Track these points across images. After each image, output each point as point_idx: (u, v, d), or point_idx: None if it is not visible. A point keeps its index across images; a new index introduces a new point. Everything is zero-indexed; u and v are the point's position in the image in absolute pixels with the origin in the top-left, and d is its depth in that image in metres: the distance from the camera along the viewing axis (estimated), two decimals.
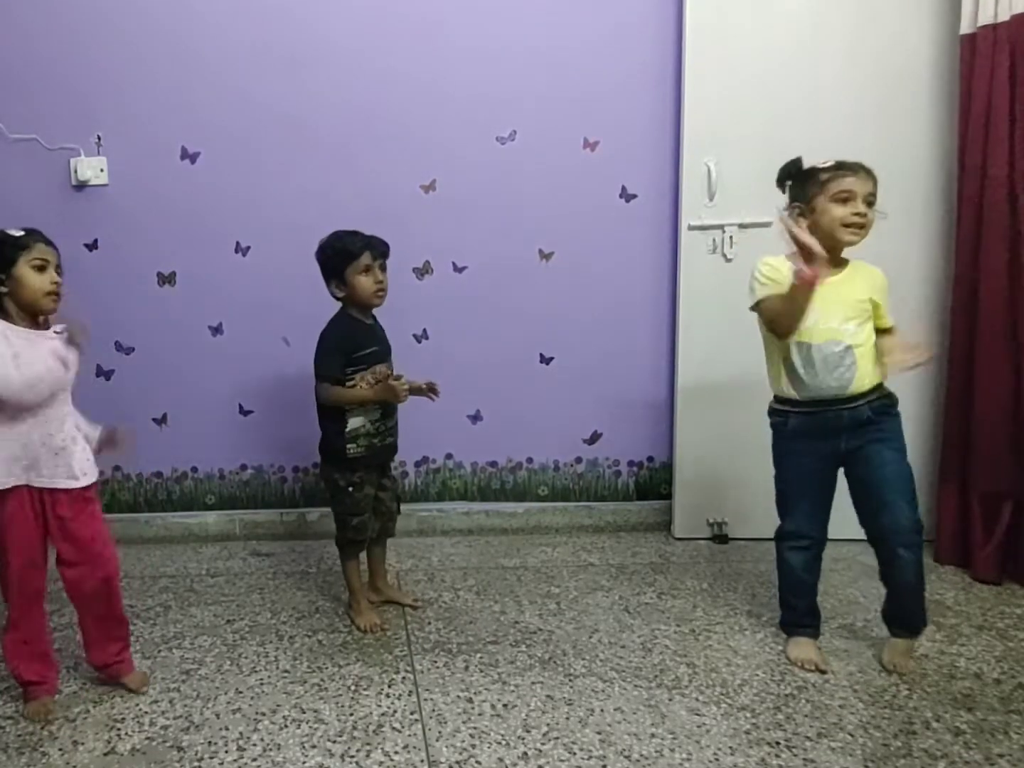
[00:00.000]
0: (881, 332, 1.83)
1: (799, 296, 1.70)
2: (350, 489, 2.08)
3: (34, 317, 1.69)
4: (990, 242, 2.26)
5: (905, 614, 1.88)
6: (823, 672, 1.82)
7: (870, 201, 1.75)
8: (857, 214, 1.73)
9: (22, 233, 1.68)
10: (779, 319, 1.78)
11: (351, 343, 2.04)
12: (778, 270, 1.79)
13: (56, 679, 1.80)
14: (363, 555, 2.19)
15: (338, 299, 2.07)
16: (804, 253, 1.66)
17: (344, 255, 2.01)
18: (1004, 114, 2.23)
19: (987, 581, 2.29)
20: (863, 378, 1.79)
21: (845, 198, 1.74)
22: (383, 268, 2.05)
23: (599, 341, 2.76)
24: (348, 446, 2.05)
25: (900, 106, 2.50)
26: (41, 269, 1.66)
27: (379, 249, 2.03)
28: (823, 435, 1.82)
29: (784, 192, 1.86)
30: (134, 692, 1.80)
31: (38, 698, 1.73)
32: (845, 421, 1.80)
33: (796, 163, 1.84)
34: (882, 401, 1.81)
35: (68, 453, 1.68)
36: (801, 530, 1.90)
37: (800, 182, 1.82)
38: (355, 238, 2.03)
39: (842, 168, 1.76)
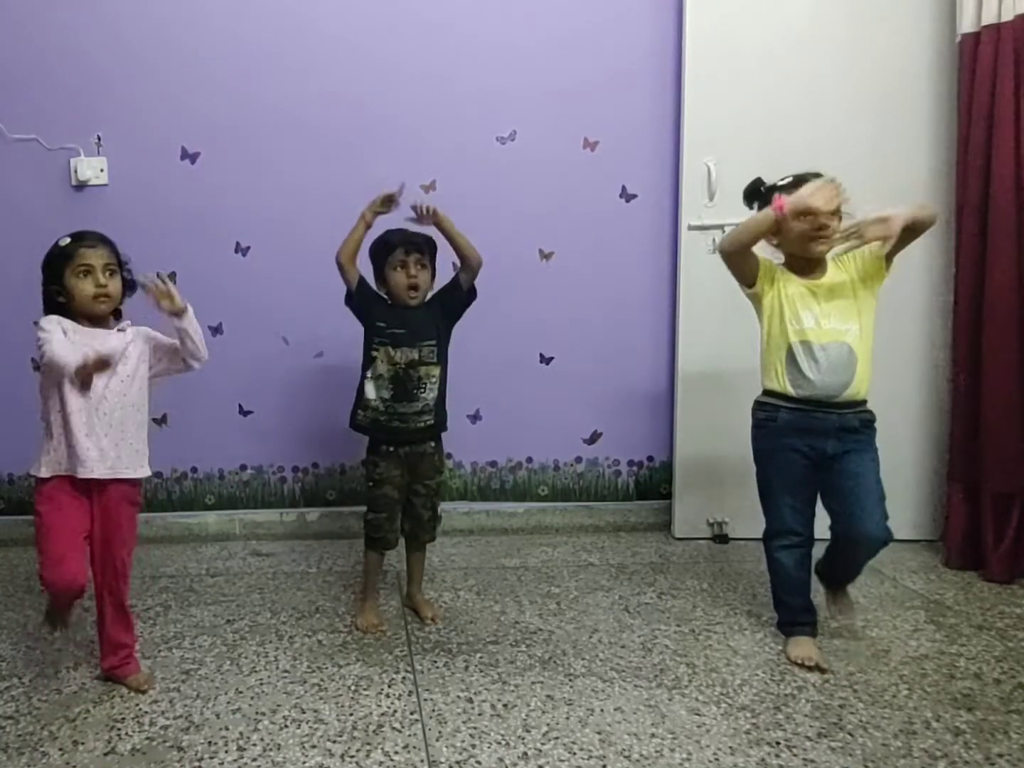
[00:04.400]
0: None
1: (763, 223, 1.79)
2: (371, 484, 2.09)
3: (96, 321, 1.73)
4: (997, 240, 2.25)
5: (847, 575, 1.96)
6: (823, 671, 1.82)
7: (835, 211, 1.77)
8: (819, 228, 1.76)
9: (67, 241, 1.72)
10: (732, 242, 1.85)
11: (371, 305, 2.07)
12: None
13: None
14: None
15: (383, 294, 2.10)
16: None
17: (381, 250, 2.04)
18: (1009, 114, 2.23)
19: (1000, 581, 2.28)
20: (860, 384, 1.81)
21: (807, 214, 1.76)
22: (421, 264, 2.04)
23: (599, 341, 2.77)
24: (358, 412, 2.09)
25: (899, 106, 2.51)
26: (86, 274, 1.69)
27: (414, 243, 2.03)
28: (812, 434, 1.84)
29: (752, 210, 1.90)
30: (137, 692, 1.80)
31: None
32: (834, 425, 1.82)
33: (756, 183, 1.90)
34: (867, 415, 1.85)
35: None
36: (789, 527, 1.92)
37: (764, 202, 1.85)
38: (395, 233, 2.05)
39: (799, 184, 1.78)
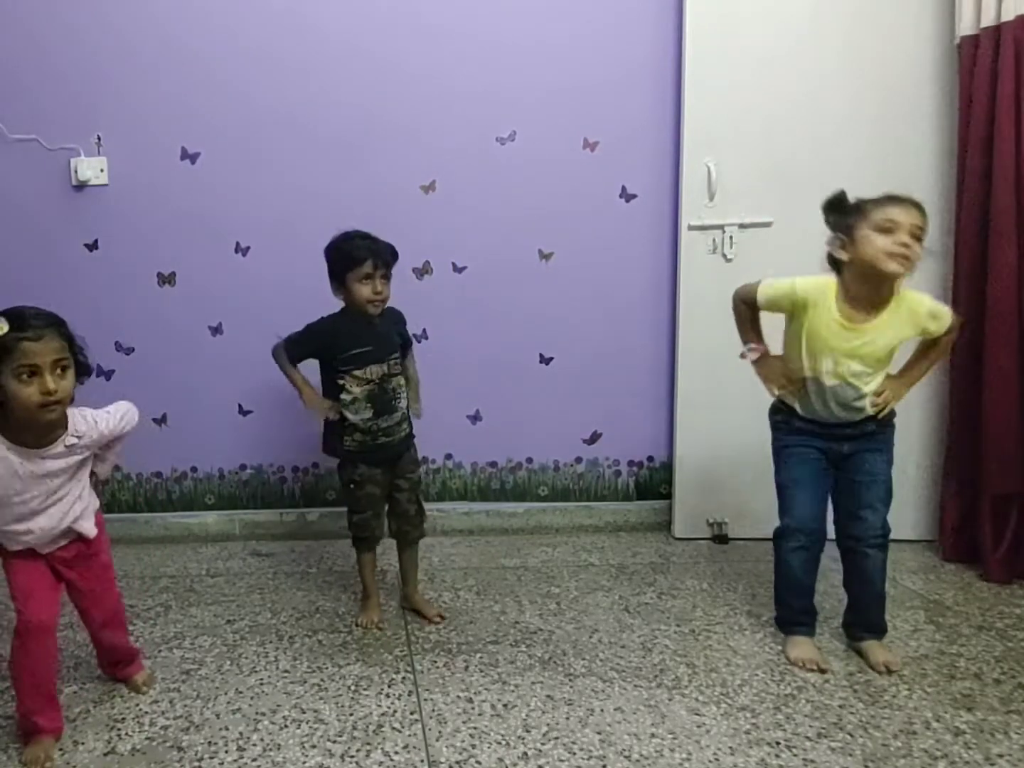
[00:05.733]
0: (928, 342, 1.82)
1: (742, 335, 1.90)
2: (351, 486, 2.09)
3: (37, 431, 1.49)
4: (997, 242, 2.25)
5: (871, 617, 1.91)
6: (824, 671, 1.82)
7: (917, 235, 1.65)
8: (901, 244, 1.63)
9: (5, 330, 1.38)
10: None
11: (330, 342, 2.03)
12: (777, 298, 1.82)
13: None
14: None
15: (340, 299, 2.07)
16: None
17: (348, 260, 1.99)
18: (1010, 115, 2.22)
19: (999, 582, 2.29)
20: (869, 407, 1.82)
21: (888, 228, 1.65)
22: (385, 277, 2.01)
23: (599, 341, 2.76)
24: (345, 439, 2.06)
25: (900, 106, 2.50)
26: (30, 375, 1.39)
27: (383, 258, 1.99)
28: (828, 438, 1.85)
29: (829, 220, 1.78)
30: (137, 692, 1.80)
31: (40, 741, 1.58)
32: (847, 432, 1.84)
33: (840, 196, 1.75)
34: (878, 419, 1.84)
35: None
36: (803, 525, 1.88)
37: (842, 213, 1.75)
38: (362, 243, 1.99)
39: (889, 199, 1.68)
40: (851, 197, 1.76)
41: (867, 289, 1.73)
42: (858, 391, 1.78)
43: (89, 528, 1.64)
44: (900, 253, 1.64)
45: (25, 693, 1.58)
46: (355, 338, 2.02)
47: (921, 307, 1.76)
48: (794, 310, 1.80)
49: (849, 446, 1.84)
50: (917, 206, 1.68)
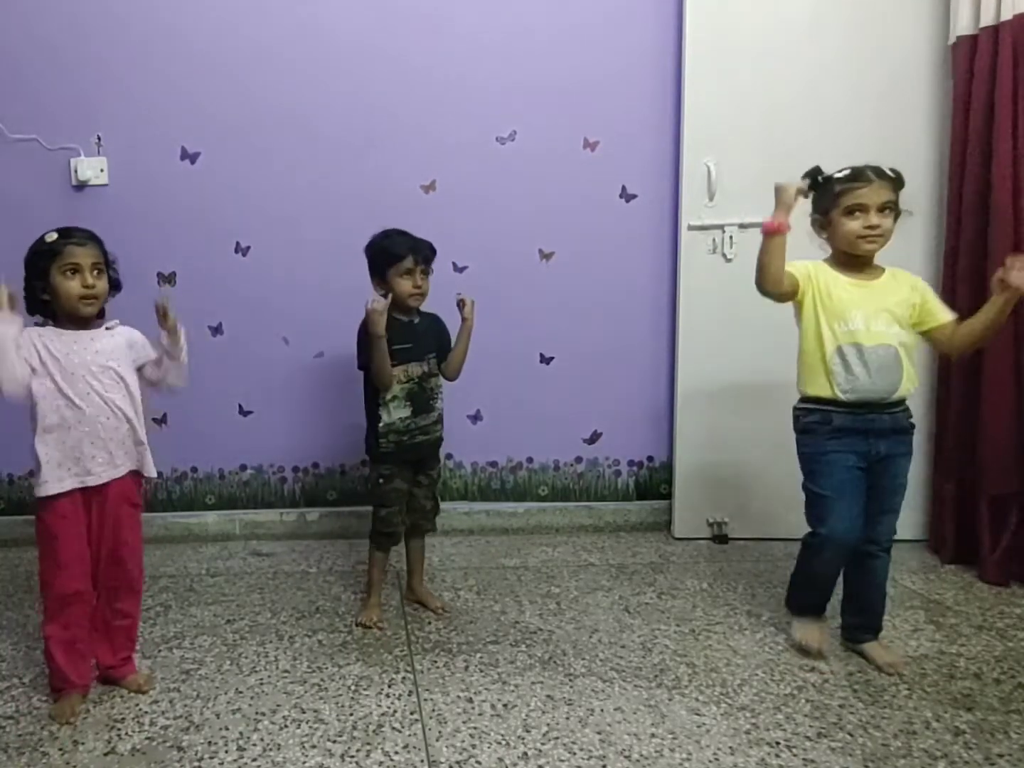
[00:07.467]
0: (945, 326, 1.81)
1: (766, 246, 1.78)
2: (380, 481, 2.12)
3: (79, 321, 1.69)
4: (995, 241, 2.25)
5: (875, 619, 1.90)
6: (822, 655, 1.83)
7: (888, 207, 1.74)
8: (869, 227, 1.74)
9: (55, 237, 1.66)
10: (757, 273, 1.83)
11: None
12: (797, 268, 1.82)
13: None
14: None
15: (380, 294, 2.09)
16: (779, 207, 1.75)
17: (388, 256, 2.03)
18: (1008, 115, 2.22)
19: (996, 583, 2.29)
20: (908, 381, 1.79)
21: (857, 211, 1.74)
22: (425, 273, 2.07)
23: (599, 341, 2.77)
24: (380, 440, 2.09)
25: (899, 106, 2.51)
26: (73, 273, 1.64)
27: (423, 253, 2.05)
28: (867, 435, 1.80)
29: (807, 198, 1.84)
30: (137, 692, 1.80)
31: (68, 696, 1.72)
32: (887, 426, 1.80)
33: (814, 173, 1.82)
34: (910, 414, 1.84)
35: None
36: (843, 538, 1.81)
37: (819, 192, 1.81)
38: (402, 239, 2.05)
39: (856, 179, 1.75)
40: (827, 170, 1.81)
41: (852, 259, 1.81)
42: (895, 351, 1.77)
43: (149, 464, 1.78)
44: (869, 236, 1.75)
45: (58, 651, 1.70)
46: (397, 334, 2.06)
47: (915, 279, 1.84)
48: (806, 285, 1.82)
49: (885, 446, 1.80)
50: (886, 178, 1.75)
